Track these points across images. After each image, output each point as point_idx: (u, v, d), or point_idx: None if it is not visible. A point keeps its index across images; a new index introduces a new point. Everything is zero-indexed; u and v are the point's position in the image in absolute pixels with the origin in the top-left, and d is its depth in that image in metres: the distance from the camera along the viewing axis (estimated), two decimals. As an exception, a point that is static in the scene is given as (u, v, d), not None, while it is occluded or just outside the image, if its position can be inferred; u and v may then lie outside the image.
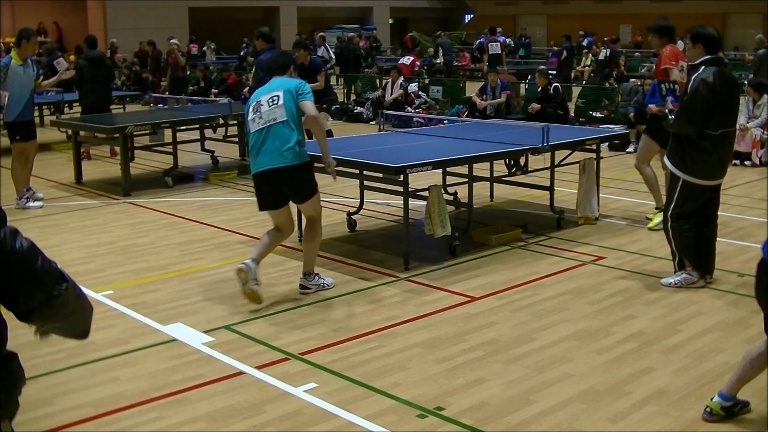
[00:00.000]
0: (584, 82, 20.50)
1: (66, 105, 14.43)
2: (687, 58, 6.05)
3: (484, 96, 14.26)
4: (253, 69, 10.07)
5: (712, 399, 3.97)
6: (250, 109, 5.77)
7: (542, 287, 6.07)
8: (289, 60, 6.02)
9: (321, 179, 6.04)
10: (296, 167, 5.62)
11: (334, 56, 23.03)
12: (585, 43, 26.10)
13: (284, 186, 5.70)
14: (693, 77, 5.73)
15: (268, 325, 5.35)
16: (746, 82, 11.82)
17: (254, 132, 5.69)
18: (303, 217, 6.20)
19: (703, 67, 5.73)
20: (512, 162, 8.06)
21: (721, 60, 5.96)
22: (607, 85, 16.26)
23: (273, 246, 5.89)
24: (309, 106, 5.65)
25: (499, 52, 19.97)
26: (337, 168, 5.77)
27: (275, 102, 5.63)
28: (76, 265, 6.73)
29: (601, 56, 21.15)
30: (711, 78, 5.64)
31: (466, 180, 7.48)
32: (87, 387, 4.45)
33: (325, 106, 11.16)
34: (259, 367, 4.66)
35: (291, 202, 5.86)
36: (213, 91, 17.78)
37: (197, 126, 11.04)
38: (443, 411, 4.10)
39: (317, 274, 6.05)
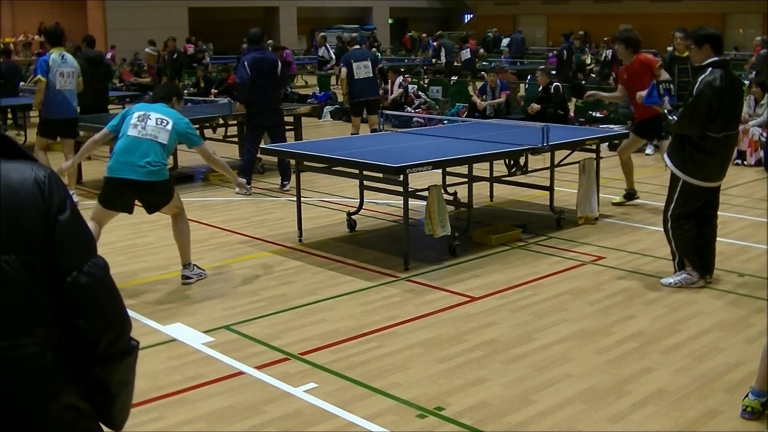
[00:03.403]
0: (584, 82, 20.49)
1: None
2: (692, 59, 6.05)
3: (484, 96, 14.25)
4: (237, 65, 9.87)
5: (746, 398, 3.97)
6: (135, 114, 6.00)
7: (542, 287, 6.07)
8: (173, 92, 6.41)
9: (321, 179, 6.06)
10: (155, 183, 5.96)
11: (334, 56, 23.03)
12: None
13: (139, 198, 6.11)
14: (699, 79, 5.71)
15: (268, 325, 5.35)
16: (747, 82, 11.79)
17: (129, 136, 5.92)
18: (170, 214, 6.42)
19: (710, 69, 5.71)
20: (512, 162, 8.06)
21: (727, 62, 5.96)
22: (606, 85, 16.25)
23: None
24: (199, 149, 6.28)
25: (469, 57, 22.44)
26: (337, 168, 5.73)
27: (162, 124, 5.98)
28: (76, 265, 6.71)
29: (602, 56, 21.18)
30: (718, 81, 5.63)
31: (466, 180, 7.48)
32: (87, 387, 4.44)
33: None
34: (259, 367, 4.66)
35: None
36: (213, 91, 17.79)
37: (197, 126, 11.02)
38: (443, 411, 4.10)
39: (195, 264, 6.37)
